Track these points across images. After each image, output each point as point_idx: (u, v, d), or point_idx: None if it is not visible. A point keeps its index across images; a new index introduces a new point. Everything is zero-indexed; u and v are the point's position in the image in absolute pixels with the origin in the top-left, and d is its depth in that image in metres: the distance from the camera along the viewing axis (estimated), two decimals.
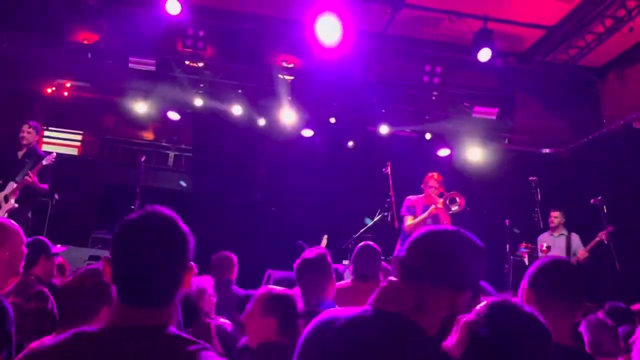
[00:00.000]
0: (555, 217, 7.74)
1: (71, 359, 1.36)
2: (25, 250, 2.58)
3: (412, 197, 6.86)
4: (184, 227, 1.53)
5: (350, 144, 9.81)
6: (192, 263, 1.53)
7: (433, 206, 6.64)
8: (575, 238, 7.69)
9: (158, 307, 1.45)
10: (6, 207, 6.56)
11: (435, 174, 6.87)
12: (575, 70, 9.12)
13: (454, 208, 6.67)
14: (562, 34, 8.38)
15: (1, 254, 2.42)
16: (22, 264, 2.57)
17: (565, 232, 7.73)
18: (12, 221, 2.60)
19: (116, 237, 1.49)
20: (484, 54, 7.83)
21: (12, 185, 6.62)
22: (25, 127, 6.87)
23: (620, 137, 8.65)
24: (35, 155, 6.85)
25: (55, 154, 6.89)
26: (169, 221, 1.51)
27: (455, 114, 9.72)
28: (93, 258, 6.93)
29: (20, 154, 6.82)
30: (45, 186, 6.79)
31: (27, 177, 6.56)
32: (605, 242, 6.94)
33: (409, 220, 6.74)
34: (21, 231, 2.58)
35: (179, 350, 1.38)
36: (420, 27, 8.73)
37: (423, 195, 6.86)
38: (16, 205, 6.62)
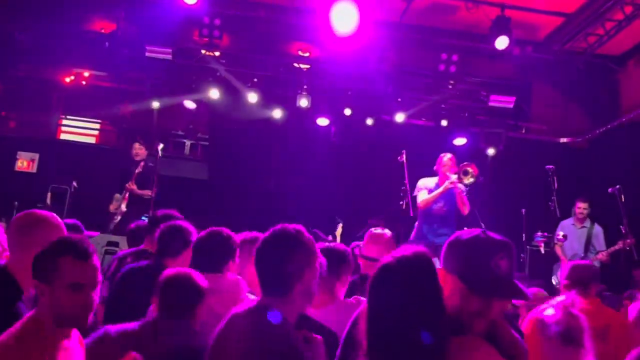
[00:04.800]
0: (585, 208, 7.65)
1: None
2: None
3: (424, 179, 6.83)
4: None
5: (369, 121, 9.74)
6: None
7: (447, 182, 6.53)
8: (598, 232, 7.60)
9: None
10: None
11: (447, 154, 6.83)
12: (593, 59, 8.98)
13: (468, 180, 6.57)
14: (581, 21, 8.26)
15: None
16: None
17: (587, 224, 7.67)
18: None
19: None
20: (502, 42, 7.76)
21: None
22: (137, 145, 7.72)
23: (639, 126, 8.54)
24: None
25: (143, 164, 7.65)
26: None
27: (471, 103, 9.66)
28: (111, 244, 7.03)
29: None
30: (146, 192, 7.54)
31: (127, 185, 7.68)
32: (627, 249, 6.83)
33: (423, 195, 6.68)
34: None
35: None
36: (437, 15, 8.67)
37: (437, 177, 6.81)
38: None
